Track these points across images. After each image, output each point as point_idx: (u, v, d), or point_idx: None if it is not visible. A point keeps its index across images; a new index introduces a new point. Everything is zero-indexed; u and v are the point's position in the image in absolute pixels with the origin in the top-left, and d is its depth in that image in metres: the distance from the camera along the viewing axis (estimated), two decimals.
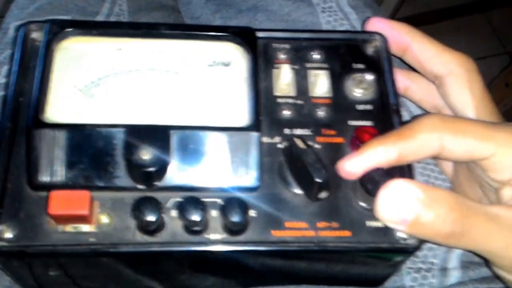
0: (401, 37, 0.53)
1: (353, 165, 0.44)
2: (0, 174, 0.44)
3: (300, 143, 0.44)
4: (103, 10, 0.66)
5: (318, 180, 0.42)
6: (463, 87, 0.51)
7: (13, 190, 0.43)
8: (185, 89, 0.48)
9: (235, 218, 0.41)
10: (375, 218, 0.44)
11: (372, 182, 0.44)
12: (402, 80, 0.57)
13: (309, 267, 0.48)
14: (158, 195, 0.43)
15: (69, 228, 0.42)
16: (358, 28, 0.67)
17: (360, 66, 0.53)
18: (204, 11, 0.73)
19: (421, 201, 0.38)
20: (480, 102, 0.51)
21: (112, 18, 0.65)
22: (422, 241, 0.44)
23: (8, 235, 0.42)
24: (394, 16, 1.79)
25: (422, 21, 1.83)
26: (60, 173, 0.43)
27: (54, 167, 0.43)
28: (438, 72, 0.52)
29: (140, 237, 0.42)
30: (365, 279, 0.51)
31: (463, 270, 0.54)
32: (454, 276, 0.54)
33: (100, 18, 0.64)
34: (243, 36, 0.50)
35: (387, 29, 0.53)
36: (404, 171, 0.47)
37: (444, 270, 0.54)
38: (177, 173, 0.44)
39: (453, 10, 1.96)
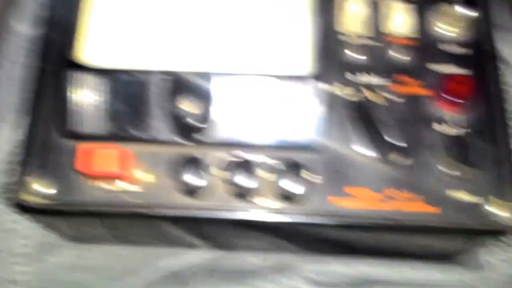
0: None
1: None
2: (33, 121, 0.39)
3: (372, 96, 0.36)
4: None
5: (393, 142, 0.35)
6: None
7: (43, 138, 0.39)
8: (234, 27, 0.41)
9: (290, 184, 0.35)
10: (461, 188, 0.37)
11: (462, 146, 0.36)
12: None
13: (371, 239, 0.42)
14: (202, 151, 0.38)
15: (107, 185, 0.38)
16: None
17: None
18: None
19: None
20: None
21: None
22: None
23: (48, 191, 0.37)
24: None
25: None
26: (96, 123, 0.38)
27: (89, 116, 0.38)
28: None
29: (182, 199, 0.37)
30: (435, 253, 0.45)
31: None
32: None
33: None
34: None
35: None
36: (497, 134, 0.38)
37: None
38: (225, 127, 0.38)
39: None
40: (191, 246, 0.47)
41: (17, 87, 0.46)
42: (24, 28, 0.53)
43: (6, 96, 0.50)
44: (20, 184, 0.38)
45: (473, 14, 0.40)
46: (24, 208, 0.38)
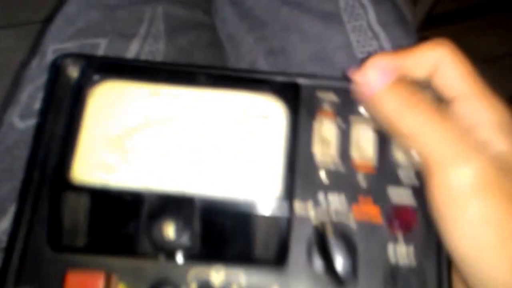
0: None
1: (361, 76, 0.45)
2: (22, 231, 0.43)
3: (329, 230, 0.42)
4: (140, 31, 0.64)
5: (340, 273, 0.41)
6: None
7: (35, 250, 0.43)
8: (217, 145, 0.45)
9: None
10: None
11: (406, 275, 0.41)
12: None
13: None
14: (178, 270, 0.42)
15: None
16: (387, 48, 0.64)
17: None
18: (239, 29, 0.71)
19: None
20: None
21: (150, 39, 0.62)
22: None
23: None
24: (431, 12, 1.71)
25: (460, 17, 1.79)
26: (81, 238, 0.42)
27: (75, 231, 0.42)
28: None
29: None
30: None
31: None
32: None
33: (137, 39, 0.62)
34: (286, 92, 0.47)
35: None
36: (439, 264, 0.43)
37: None
38: (201, 245, 0.42)
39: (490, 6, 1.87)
40: None
41: (18, 181, 0.49)
42: (24, 125, 0.56)
43: (5, 190, 0.53)
44: None
45: None
46: None
